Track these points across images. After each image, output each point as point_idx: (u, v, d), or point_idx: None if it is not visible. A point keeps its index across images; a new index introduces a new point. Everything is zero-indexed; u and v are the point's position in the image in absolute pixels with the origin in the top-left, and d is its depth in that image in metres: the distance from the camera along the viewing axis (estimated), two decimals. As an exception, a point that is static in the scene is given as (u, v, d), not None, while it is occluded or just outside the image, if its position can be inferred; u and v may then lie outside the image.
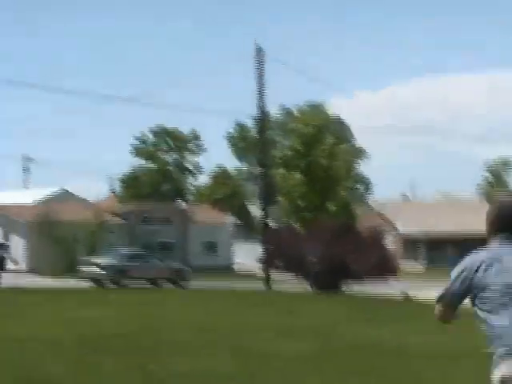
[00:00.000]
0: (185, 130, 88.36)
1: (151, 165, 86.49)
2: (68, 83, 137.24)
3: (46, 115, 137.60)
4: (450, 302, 5.46)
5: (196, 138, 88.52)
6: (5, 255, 27.95)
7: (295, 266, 39.24)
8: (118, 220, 59.50)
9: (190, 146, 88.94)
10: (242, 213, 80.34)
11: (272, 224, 51.98)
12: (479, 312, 5.32)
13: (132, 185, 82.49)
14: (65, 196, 65.76)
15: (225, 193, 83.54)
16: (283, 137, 65.15)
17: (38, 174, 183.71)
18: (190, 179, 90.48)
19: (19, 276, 44.64)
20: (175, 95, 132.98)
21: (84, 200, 69.30)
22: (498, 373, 5.13)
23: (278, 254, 40.83)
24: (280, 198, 55.74)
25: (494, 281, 5.28)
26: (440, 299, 5.48)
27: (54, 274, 47.52)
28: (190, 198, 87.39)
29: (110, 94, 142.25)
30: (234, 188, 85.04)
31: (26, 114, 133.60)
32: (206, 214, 66.79)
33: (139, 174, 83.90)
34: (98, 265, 40.92)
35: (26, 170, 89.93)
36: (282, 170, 55.33)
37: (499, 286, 5.27)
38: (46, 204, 57.84)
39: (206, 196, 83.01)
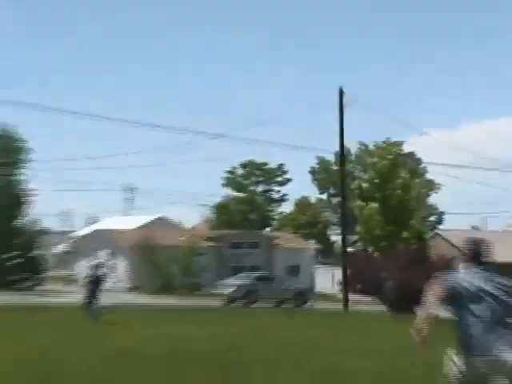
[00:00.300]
0: (272, 163, 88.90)
1: (240, 195, 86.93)
2: (166, 121, 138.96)
3: (147, 150, 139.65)
4: (439, 304, 6.67)
5: (282, 170, 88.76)
6: (104, 274, 28.17)
7: (372, 289, 38.91)
8: (209, 244, 59.77)
9: (277, 177, 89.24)
10: (322, 239, 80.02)
11: (351, 250, 51.62)
12: (459, 319, 6.63)
13: (223, 212, 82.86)
14: (162, 222, 66.63)
15: (306, 220, 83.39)
16: (361, 170, 64.98)
17: (139, 202, 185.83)
18: (276, 207, 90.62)
19: (122, 294, 45.19)
20: (265, 132, 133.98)
21: (179, 226, 70.06)
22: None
23: (357, 278, 40.55)
24: (358, 227, 55.38)
25: (465, 293, 6.57)
26: (432, 304, 6.70)
27: (152, 292, 48.00)
28: (275, 224, 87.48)
29: (203, 131, 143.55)
30: (314, 216, 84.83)
31: (128, 149, 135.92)
32: (289, 240, 66.76)
33: (229, 203, 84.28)
34: (231, 286, 41.65)
35: (128, 198, 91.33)
36: (359, 201, 55.00)
37: (471, 298, 6.57)
38: (145, 229, 58.52)
39: (290, 223, 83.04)
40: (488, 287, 6.66)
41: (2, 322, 23.51)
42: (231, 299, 41.06)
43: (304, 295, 43.68)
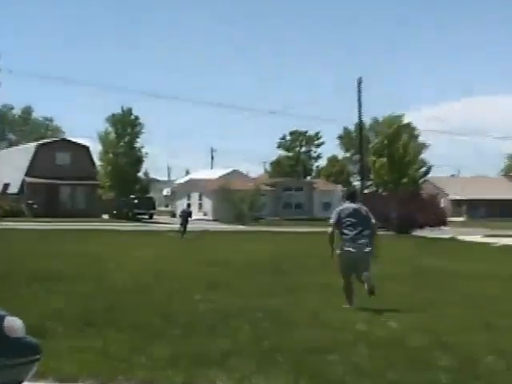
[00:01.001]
0: (311, 131, 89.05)
1: (289, 154, 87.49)
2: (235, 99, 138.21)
3: (225, 123, 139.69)
4: (334, 223, 9.21)
5: (318, 136, 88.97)
6: (191, 211, 29.62)
7: (381, 217, 38.78)
8: (268, 188, 59.96)
9: (314, 141, 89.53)
10: (346, 183, 79.98)
11: (366, 191, 51.56)
12: (342, 229, 9.12)
13: (277, 166, 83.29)
14: (236, 173, 66.67)
15: (335, 171, 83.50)
16: (374, 135, 64.35)
17: (219, 159, 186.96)
18: (314, 162, 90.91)
19: (208, 223, 45.89)
20: (306, 108, 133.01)
21: (247, 176, 70.23)
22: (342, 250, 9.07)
23: (370, 210, 40.44)
24: (372, 175, 55.09)
25: (345, 215, 9.16)
26: (331, 223, 9.25)
27: (229, 222, 48.36)
28: (313, 174, 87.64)
29: (262, 108, 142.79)
30: (341, 168, 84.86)
31: (204, 123, 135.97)
32: (323, 185, 66.66)
33: (282, 160, 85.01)
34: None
35: (213, 157, 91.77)
36: (372, 157, 54.69)
37: (347, 218, 9.11)
38: (224, 178, 58.72)
39: (324, 173, 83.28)
40: (355, 211, 9.18)
41: (137, 240, 24.36)
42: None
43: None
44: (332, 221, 9.30)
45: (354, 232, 9.05)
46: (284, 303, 9.58)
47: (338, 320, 8.27)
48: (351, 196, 9.65)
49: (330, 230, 9.31)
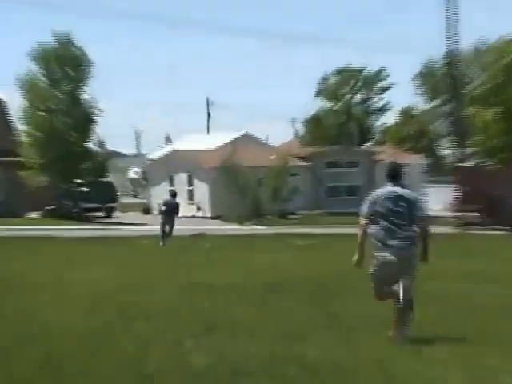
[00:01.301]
0: (372, 68, 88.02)
1: (335, 105, 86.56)
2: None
3: (227, 61, 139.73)
4: (367, 214, 10.22)
5: (383, 75, 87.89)
6: (178, 203, 30.01)
7: (490, 207, 38.71)
8: (301, 163, 59.71)
9: (377, 84, 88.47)
10: (429, 152, 79.49)
11: (465, 164, 51.36)
12: (377, 218, 10.10)
13: (315, 127, 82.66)
14: (247, 139, 66.15)
15: (411, 132, 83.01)
16: (476, 73, 63.89)
17: (218, 118, 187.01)
18: (376, 119, 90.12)
19: (204, 222, 46.01)
20: (363, 33, 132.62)
21: (266, 144, 70.07)
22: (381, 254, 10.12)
23: (472, 195, 40.30)
24: (474, 137, 54.69)
25: (383, 204, 10.09)
26: (363, 214, 10.25)
27: (239, 221, 48.12)
28: (376, 137, 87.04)
29: (291, 35, 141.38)
30: (421, 127, 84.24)
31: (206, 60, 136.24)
32: (392, 155, 66.37)
33: (323, 116, 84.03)
34: None
35: (209, 114, 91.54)
36: (474, 108, 54.38)
37: (385, 207, 10.07)
38: (229, 149, 58.03)
39: (393, 135, 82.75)
40: (396, 198, 10.11)
41: (89, 252, 24.71)
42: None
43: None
44: (363, 211, 10.39)
45: (393, 228, 10.09)
46: (327, 349, 9.65)
47: (416, 374, 8.35)
48: (393, 173, 10.49)
49: (361, 222, 10.41)
